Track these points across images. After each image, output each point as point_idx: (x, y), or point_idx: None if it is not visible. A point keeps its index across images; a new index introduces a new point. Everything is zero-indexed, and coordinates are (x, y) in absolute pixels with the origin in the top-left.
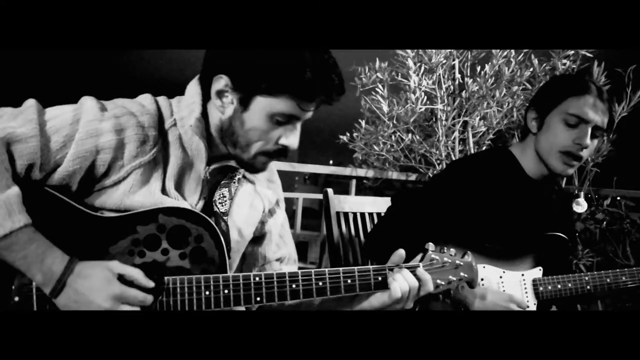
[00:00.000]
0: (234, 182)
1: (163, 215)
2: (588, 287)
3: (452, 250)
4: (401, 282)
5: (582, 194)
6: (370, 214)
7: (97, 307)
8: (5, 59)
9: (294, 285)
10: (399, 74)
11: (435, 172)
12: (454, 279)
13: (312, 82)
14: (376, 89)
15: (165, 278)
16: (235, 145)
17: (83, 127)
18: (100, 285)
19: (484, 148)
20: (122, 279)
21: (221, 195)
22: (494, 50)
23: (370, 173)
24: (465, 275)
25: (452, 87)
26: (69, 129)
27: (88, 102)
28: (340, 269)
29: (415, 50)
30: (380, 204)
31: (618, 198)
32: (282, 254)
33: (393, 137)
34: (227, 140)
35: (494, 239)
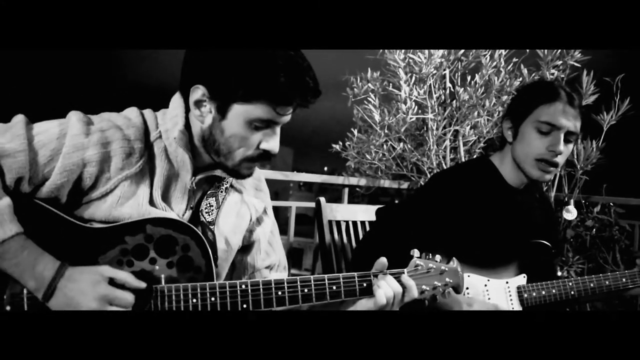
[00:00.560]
0: (221, 192)
1: (151, 225)
2: (572, 292)
3: (438, 257)
4: (386, 289)
5: (572, 201)
6: (362, 222)
7: (86, 307)
8: (5, 59)
9: (279, 292)
10: (391, 84)
11: (424, 181)
12: (439, 284)
13: (287, 87)
14: (368, 98)
15: (154, 286)
16: (218, 153)
17: (69, 141)
18: (88, 287)
19: (474, 156)
20: (112, 282)
21: (208, 205)
22: (483, 61)
23: (363, 181)
24: (451, 281)
25: (442, 97)
26: (56, 143)
27: (74, 117)
28: (326, 275)
29: (407, 61)
30: (372, 212)
31: (610, 204)
32: (271, 261)
33: (385, 146)
34: (210, 148)
35: (478, 248)
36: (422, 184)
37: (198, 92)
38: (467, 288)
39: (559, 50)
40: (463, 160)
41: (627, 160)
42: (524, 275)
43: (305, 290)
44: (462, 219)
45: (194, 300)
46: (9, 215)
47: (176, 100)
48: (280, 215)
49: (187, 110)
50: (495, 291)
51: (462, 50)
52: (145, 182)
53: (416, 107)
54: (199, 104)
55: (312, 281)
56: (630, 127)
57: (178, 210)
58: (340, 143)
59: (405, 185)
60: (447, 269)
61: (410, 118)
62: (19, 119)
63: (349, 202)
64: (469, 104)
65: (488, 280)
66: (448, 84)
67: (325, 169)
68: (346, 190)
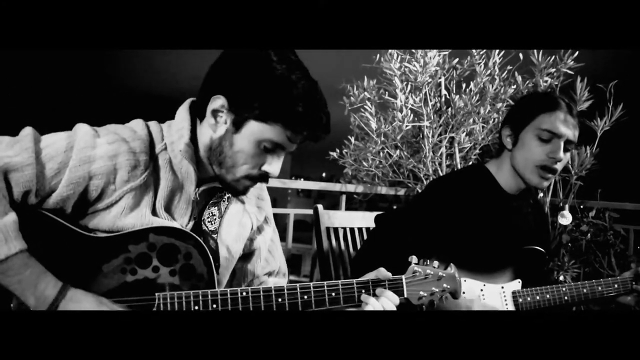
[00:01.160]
0: (223, 201)
1: (153, 234)
2: (566, 297)
3: (435, 263)
4: (374, 305)
5: (567, 206)
6: (360, 229)
7: None
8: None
9: (279, 299)
10: (387, 92)
11: (420, 188)
12: (437, 290)
13: (303, 116)
14: (365, 106)
15: (156, 294)
16: (221, 165)
17: (76, 154)
18: (90, 308)
19: (470, 163)
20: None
21: (210, 214)
22: (478, 68)
23: (360, 188)
24: (448, 287)
25: (438, 104)
26: (63, 157)
27: (81, 130)
28: (325, 282)
29: (402, 70)
30: (369, 219)
31: (607, 210)
32: (271, 268)
33: (381, 153)
34: (214, 159)
35: (475, 254)
36: (419, 190)
37: (218, 101)
38: (463, 292)
39: (553, 58)
40: (459, 166)
41: (621, 165)
42: (519, 280)
43: (305, 297)
44: (459, 225)
45: (196, 307)
46: (14, 231)
47: (182, 112)
48: (279, 222)
49: (194, 123)
50: (491, 296)
51: (457, 59)
52: (149, 194)
53: (412, 115)
54: (215, 113)
55: (311, 288)
56: (623, 133)
57: (181, 221)
58: (338, 150)
59: (402, 191)
60: (444, 275)
61: (406, 126)
62: (27, 132)
63: (347, 208)
64: (464, 111)
65: (484, 285)
66: (443, 92)
67: (324, 175)
68: (344, 197)
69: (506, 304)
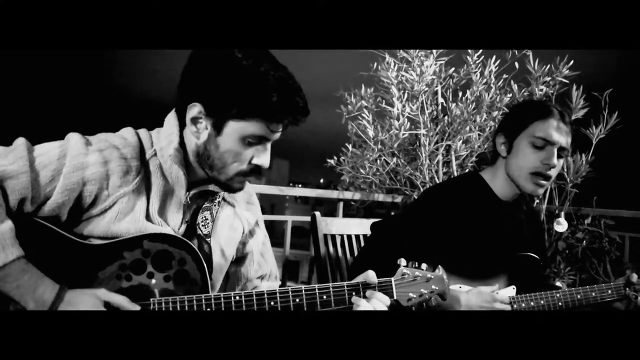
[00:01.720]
0: (215, 205)
1: (148, 241)
2: (560, 303)
3: (424, 265)
4: (365, 307)
5: (562, 213)
6: (357, 236)
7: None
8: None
9: (272, 303)
10: (384, 100)
11: (417, 195)
12: (426, 291)
13: (279, 105)
14: (362, 114)
15: (151, 299)
16: (212, 167)
17: (70, 161)
18: (88, 308)
19: (467, 170)
20: (108, 306)
21: (204, 218)
22: (474, 77)
23: (357, 195)
24: (437, 288)
25: (435, 113)
26: (56, 164)
27: (74, 138)
28: (316, 285)
29: (399, 78)
30: (366, 226)
31: (603, 217)
32: (263, 272)
33: (379, 160)
34: (204, 163)
35: (469, 261)
36: (416, 198)
37: (195, 109)
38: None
39: (548, 66)
40: (456, 174)
41: (616, 172)
42: (514, 286)
43: (297, 300)
44: (453, 232)
45: (190, 309)
46: (10, 239)
47: (170, 119)
48: (277, 228)
49: (182, 128)
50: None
51: (453, 68)
52: (142, 199)
53: (409, 123)
54: (195, 120)
55: (303, 291)
56: (618, 141)
57: (174, 224)
58: (335, 158)
59: (399, 199)
60: (432, 277)
61: (403, 134)
62: (21, 142)
63: (344, 215)
64: (460, 120)
65: None
66: (440, 100)
67: (322, 181)
68: (341, 204)
69: None
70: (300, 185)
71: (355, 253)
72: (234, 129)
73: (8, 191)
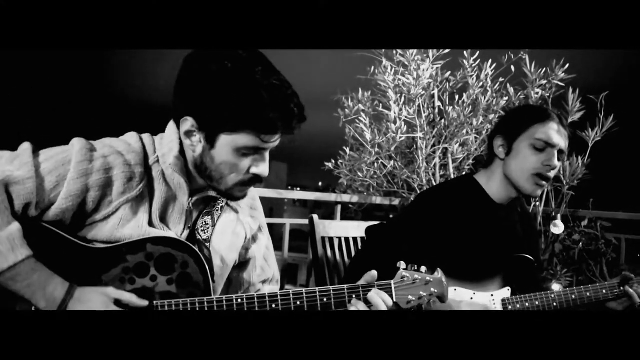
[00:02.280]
0: (217, 210)
1: (151, 244)
2: (554, 304)
3: (423, 268)
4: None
5: (559, 215)
6: (354, 239)
7: None
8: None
9: (273, 305)
10: (381, 104)
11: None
12: (425, 294)
13: (271, 117)
14: (359, 118)
15: (155, 302)
16: (211, 179)
17: (74, 167)
18: (97, 308)
19: (464, 173)
20: (118, 303)
21: (204, 223)
22: (470, 81)
23: (355, 198)
24: (436, 291)
25: (432, 116)
26: (61, 170)
27: (78, 144)
28: (317, 288)
29: (396, 82)
30: (363, 229)
31: (599, 219)
32: (266, 276)
33: (376, 164)
34: (203, 174)
35: (464, 263)
36: (411, 201)
37: (187, 123)
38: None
39: (544, 70)
40: (452, 177)
41: (612, 175)
42: (508, 288)
43: (298, 303)
44: (448, 235)
45: (194, 309)
46: (19, 239)
47: (171, 126)
48: (275, 231)
49: (180, 135)
50: (481, 303)
51: (449, 72)
52: (145, 205)
53: (406, 127)
54: (189, 134)
55: (304, 294)
56: (614, 143)
57: (176, 230)
58: (333, 161)
59: (396, 201)
60: (432, 280)
61: (400, 137)
62: (26, 147)
63: (342, 218)
64: (457, 123)
65: (474, 293)
66: (437, 103)
67: (320, 184)
68: (339, 207)
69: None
70: (298, 189)
71: (353, 255)
72: (227, 142)
73: (14, 196)
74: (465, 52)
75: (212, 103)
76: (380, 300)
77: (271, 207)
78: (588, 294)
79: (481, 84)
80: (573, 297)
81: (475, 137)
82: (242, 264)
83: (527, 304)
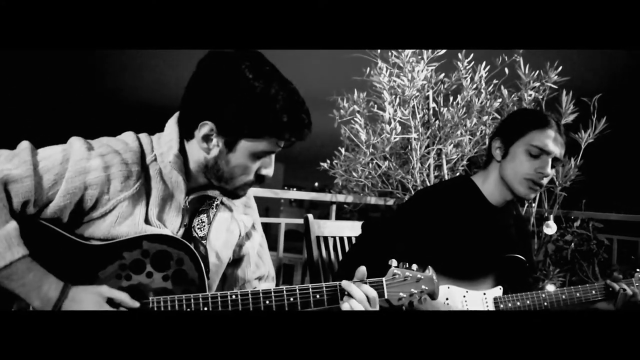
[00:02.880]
0: (212, 209)
1: (147, 241)
2: (545, 303)
3: (414, 266)
4: (353, 305)
5: (552, 216)
6: (349, 238)
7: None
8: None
9: (267, 302)
10: (376, 105)
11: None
12: (416, 291)
13: (288, 123)
14: (354, 119)
15: (150, 298)
16: (220, 179)
17: (72, 166)
18: (90, 307)
19: (457, 174)
20: (110, 301)
21: (200, 221)
22: (464, 82)
23: (350, 198)
24: (427, 288)
25: (426, 117)
26: (59, 168)
27: (76, 143)
28: (310, 285)
29: (390, 84)
30: (358, 228)
31: (592, 220)
32: (261, 273)
33: (371, 164)
34: (211, 175)
35: (458, 262)
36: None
37: (206, 127)
38: (447, 298)
39: (537, 72)
40: (447, 177)
41: (605, 176)
42: (500, 287)
43: (291, 299)
44: (443, 234)
45: (188, 310)
46: (16, 238)
47: (171, 125)
48: (271, 231)
49: (182, 137)
50: (473, 302)
51: (443, 73)
52: (142, 203)
53: (400, 127)
54: (206, 137)
55: (297, 290)
56: (607, 145)
57: (172, 228)
58: (328, 161)
59: (391, 202)
60: (422, 277)
61: (395, 138)
62: (25, 146)
63: (338, 218)
64: (451, 124)
65: (467, 291)
66: (431, 105)
67: (316, 184)
68: (334, 207)
69: (488, 310)
70: (295, 189)
71: (347, 250)
72: (246, 147)
73: (12, 194)
74: (459, 54)
75: (234, 110)
76: (362, 292)
77: (267, 208)
78: (578, 294)
79: (475, 85)
80: (563, 297)
81: (469, 139)
82: (237, 260)
83: (518, 303)
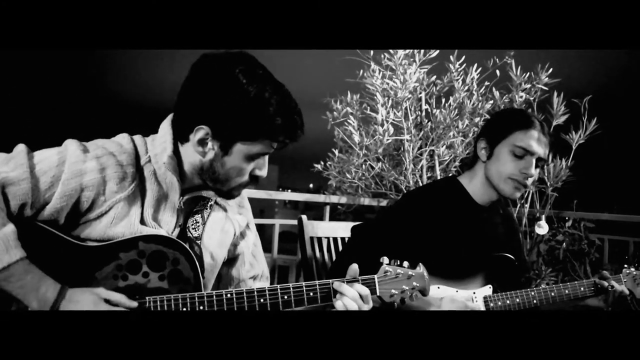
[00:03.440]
0: (207, 209)
1: (143, 242)
2: (534, 301)
3: (405, 263)
4: (346, 302)
5: (543, 216)
6: (343, 239)
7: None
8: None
9: (262, 300)
10: (369, 107)
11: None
12: (407, 288)
13: (282, 126)
14: (348, 120)
15: (147, 297)
16: (215, 181)
17: (68, 168)
18: (88, 308)
19: (450, 175)
20: (108, 303)
21: (194, 222)
22: (456, 84)
23: (344, 199)
24: (418, 285)
25: (418, 119)
26: (55, 171)
27: (72, 145)
28: (304, 283)
29: (383, 86)
30: None
31: (583, 220)
32: (255, 272)
33: (364, 165)
34: (206, 177)
35: (447, 262)
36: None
37: (202, 132)
38: (440, 299)
39: (529, 74)
40: (439, 178)
41: (595, 177)
42: (490, 286)
43: (285, 297)
44: (431, 235)
45: (184, 309)
46: (13, 241)
47: (165, 127)
48: (265, 232)
49: (176, 138)
50: (463, 301)
51: (435, 76)
52: (137, 204)
53: (393, 129)
54: (202, 141)
55: (291, 288)
56: (597, 146)
57: (167, 228)
58: (322, 163)
59: (384, 202)
60: (414, 274)
61: (387, 139)
62: (21, 149)
63: (332, 219)
64: (443, 125)
65: (456, 291)
66: (424, 106)
67: (311, 186)
68: (327, 207)
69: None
70: (289, 190)
71: (337, 253)
72: (241, 149)
73: (9, 197)
74: (451, 56)
75: (229, 114)
76: (354, 291)
77: (262, 209)
78: (567, 291)
79: (467, 87)
80: (552, 294)
81: (461, 140)
82: (231, 260)
83: (507, 301)
